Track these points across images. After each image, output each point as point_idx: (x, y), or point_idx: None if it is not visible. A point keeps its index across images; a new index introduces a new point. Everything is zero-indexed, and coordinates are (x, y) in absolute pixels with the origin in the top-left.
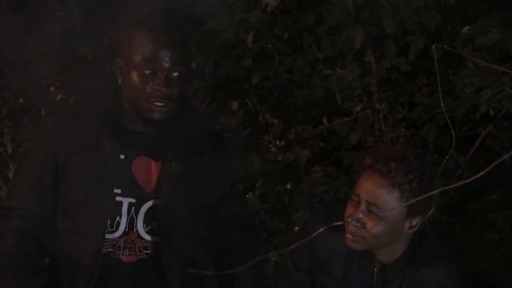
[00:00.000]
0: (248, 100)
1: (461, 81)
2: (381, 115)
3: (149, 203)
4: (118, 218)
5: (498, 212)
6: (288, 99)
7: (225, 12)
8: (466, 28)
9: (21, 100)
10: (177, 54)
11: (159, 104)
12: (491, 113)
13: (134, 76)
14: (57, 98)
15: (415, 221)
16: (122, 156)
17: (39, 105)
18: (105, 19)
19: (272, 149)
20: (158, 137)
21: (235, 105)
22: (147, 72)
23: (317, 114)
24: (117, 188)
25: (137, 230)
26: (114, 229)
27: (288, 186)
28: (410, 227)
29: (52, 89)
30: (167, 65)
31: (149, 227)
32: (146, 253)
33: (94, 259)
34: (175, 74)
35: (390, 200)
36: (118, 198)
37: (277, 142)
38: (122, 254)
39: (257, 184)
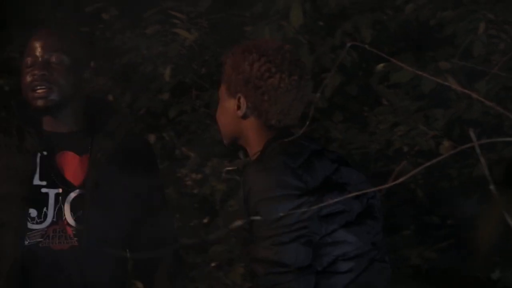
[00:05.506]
0: (165, 134)
1: (376, 118)
2: None
3: (75, 193)
4: (45, 209)
5: (411, 247)
6: (205, 133)
7: (143, 46)
8: (381, 65)
9: None
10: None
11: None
12: (405, 150)
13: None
14: None
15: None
16: (44, 153)
17: None
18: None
19: (189, 183)
20: (82, 135)
21: (152, 138)
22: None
23: (234, 148)
24: (42, 181)
25: (65, 219)
26: (42, 219)
27: (205, 220)
28: (237, 106)
29: None
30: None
31: (77, 215)
32: (77, 240)
33: (17, 249)
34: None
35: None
36: (43, 190)
37: (194, 176)
38: (52, 243)
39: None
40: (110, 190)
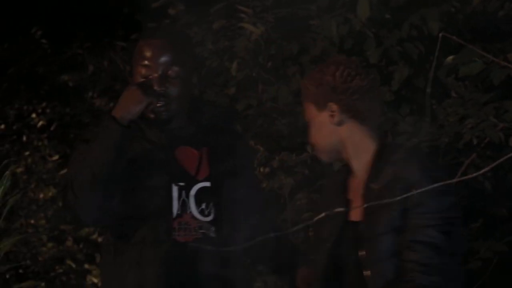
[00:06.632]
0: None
1: (445, 110)
2: None
3: (198, 186)
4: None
5: (480, 240)
6: (272, 127)
7: (209, 40)
8: (450, 58)
9: (3, 126)
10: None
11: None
12: (475, 142)
13: None
14: (38, 125)
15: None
16: (165, 147)
17: (21, 131)
18: (88, 47)
19: None
20: (193, 130)
21: None
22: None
23: (301, 142)
24: (165, 175)
25: (190, 212)
26: None
27: None
28: (331, 116)
29: (33, 115)
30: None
31: (200, 208)
32: (201, 232)
33: (159, 240)
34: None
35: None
36: (166, 184)
37: (261, 169)
38: (178, 235)
39: None
40: (231, 181)
